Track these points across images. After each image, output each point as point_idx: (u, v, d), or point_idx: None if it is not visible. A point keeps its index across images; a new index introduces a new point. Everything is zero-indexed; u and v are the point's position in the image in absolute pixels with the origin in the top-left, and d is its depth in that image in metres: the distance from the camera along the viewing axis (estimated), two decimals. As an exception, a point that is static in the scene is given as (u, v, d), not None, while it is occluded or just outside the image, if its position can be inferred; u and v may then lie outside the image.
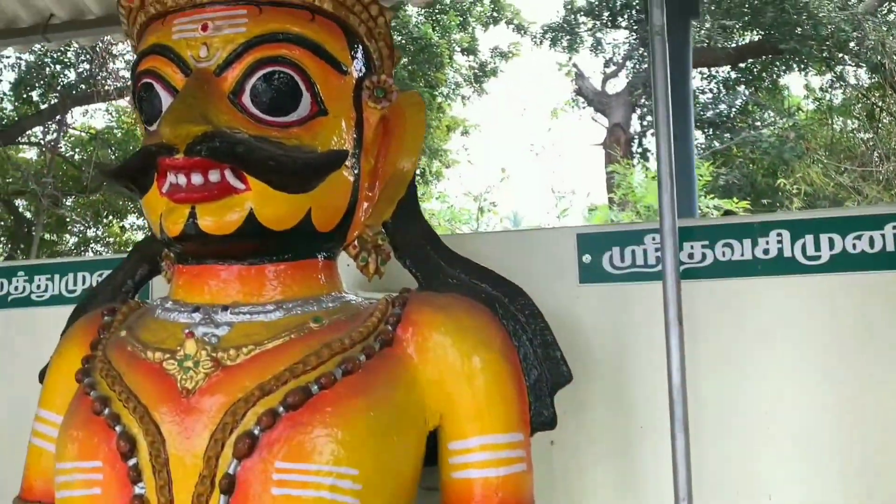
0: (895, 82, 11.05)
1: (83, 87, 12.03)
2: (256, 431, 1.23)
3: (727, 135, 10.59)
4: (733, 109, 10.93)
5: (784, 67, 11.62)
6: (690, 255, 1.78)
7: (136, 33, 1.50)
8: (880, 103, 11.75)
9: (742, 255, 1.75)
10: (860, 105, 11.93)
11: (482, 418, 1.36)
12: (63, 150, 12.53)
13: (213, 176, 1.31)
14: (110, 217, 13.24)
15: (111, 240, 13.86)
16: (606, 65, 12.82)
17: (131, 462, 1.25)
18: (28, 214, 12.65)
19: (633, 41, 12.36)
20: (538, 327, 1.46)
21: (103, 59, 11.13)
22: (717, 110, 11.52)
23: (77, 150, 13.07)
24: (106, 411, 1.30)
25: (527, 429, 1.40)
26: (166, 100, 1.38)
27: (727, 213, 6.97)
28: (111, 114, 13.55)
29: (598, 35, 12.81)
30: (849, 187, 10.42)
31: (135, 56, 1.53)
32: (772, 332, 1.75)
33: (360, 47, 1.46)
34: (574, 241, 1.79)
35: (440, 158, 15.60)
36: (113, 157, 11.82)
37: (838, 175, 10.24)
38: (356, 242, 1.50)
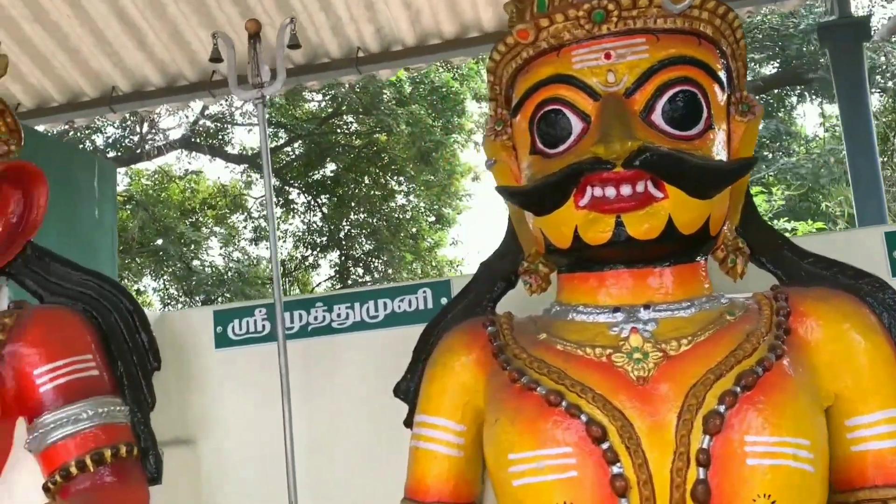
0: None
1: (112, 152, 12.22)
2: (722, 410, 1.35)
3: (763, 164, 10.91)
4: (765, 139, 11.29)
5: (799, 98, 12.00)
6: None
7: (516, 68, 1.65)
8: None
9: None
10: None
11: (880, 394, 1.47)
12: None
13: (640, 187, 1.45)
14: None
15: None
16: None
17: (605, 445, 1.36)
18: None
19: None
20: (907, 318, 1.58)
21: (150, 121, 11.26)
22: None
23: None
24: (563, 403, 1.41)
25: None
26: (576, 124, 1.53)
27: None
28: (130, 177, 13.74)
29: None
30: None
31: (510, 90, 1.68)
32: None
33: (728, 67, 1.63)
34: (881, 240, 1.94)
35: (451, 205, 15.85)
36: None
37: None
38: (723, 246, 1.65)
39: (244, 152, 14.36)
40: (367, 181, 15.02)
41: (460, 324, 1.71)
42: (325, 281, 16.33)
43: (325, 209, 15.27)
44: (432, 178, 14.86)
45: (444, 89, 13.63)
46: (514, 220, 1.78)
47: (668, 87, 1.50)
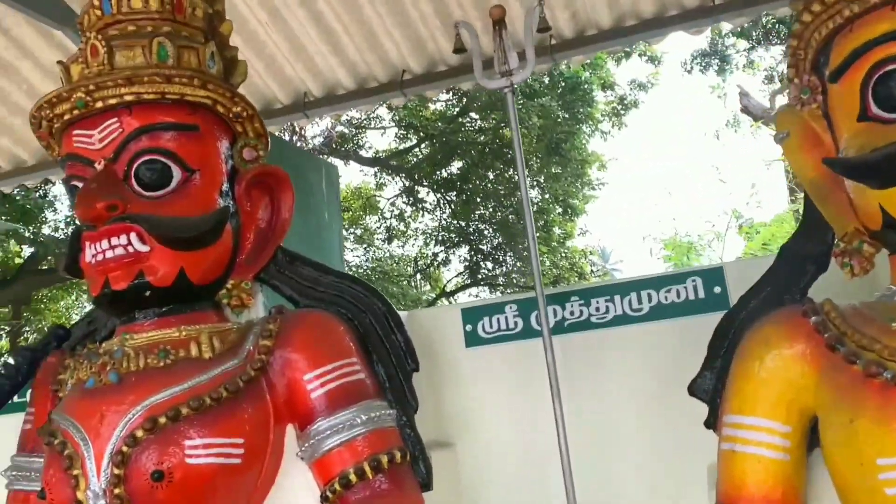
0: None
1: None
2: None
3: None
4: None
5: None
6: None
7: (834, 28, 1.52)
8: None
9: None
10: None
11: None
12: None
13: None
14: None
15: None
16: (767, 81, 12.62)
17: None
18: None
19: (793, 54, 12.13)
20: None
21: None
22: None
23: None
24: None
25: None
26: None
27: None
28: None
29: (752, 55, 12.63)
30: None
31: (821, 54, 1.56)
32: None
33: None
34: None
35: (579, 196, 15.62)
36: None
37: None
38: None
39: (378, 155, 14.62)
40: (491, 176, 15.01)
41: (771, 314, 1.56)
42: (455, 277, 16.44)
43: (453, 206, 15.36)
44: (559, 169, 14.69)
45: (572, 79, 13.42)
46: (819, 197, 1.63)
47: None
